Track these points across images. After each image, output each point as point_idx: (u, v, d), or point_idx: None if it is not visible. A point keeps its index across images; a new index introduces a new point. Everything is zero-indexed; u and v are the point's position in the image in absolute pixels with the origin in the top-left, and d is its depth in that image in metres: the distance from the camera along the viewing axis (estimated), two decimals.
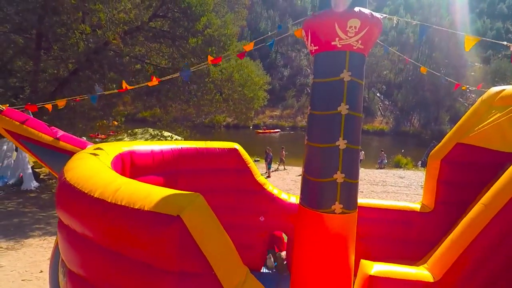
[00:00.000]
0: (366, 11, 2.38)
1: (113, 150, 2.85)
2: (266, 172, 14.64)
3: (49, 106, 3.88)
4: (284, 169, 16.32)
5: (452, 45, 44.30)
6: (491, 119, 3.23)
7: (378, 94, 56.70)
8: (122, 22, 9.86)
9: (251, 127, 38.32)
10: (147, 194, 1.59)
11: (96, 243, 1.69)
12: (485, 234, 2.26)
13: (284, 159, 16.29)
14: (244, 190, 4.05)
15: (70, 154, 2.90)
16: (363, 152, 18.04)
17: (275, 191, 4.18)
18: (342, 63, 2.45)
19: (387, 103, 55.92)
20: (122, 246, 1.60)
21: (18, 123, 3.41)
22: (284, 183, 12.79)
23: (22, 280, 4.62)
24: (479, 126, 3.35)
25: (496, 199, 2.29)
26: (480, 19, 66.24)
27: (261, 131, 39.33)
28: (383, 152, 19.88)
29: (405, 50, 53.91)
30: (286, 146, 17.43)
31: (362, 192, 11.50)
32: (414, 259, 3.55)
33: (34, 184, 9.90)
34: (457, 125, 3.76)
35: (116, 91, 3.69)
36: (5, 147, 10.18)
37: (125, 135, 12.35)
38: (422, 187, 12.45)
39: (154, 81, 3.79)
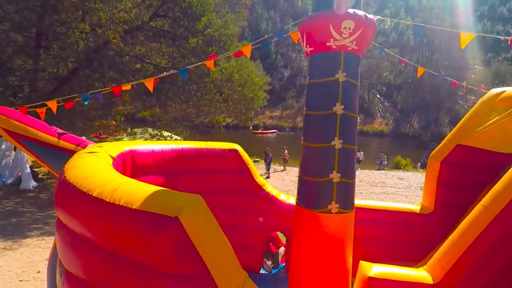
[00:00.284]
0: (360, 12, 2.42)
1: (115, 149, 2.84)
2: (265, 173, 14.63)
3: (42, 110, 3.78)
4: (284, 169, 16.31)
5: (452, 47, 44.36)
6: (492, 120, 3.22)
7: (378, 96, 56.76)
8: (122, 21, 9.84)
9: (250, 128, 38.35)
10: (146, 194, 1.58)
11: (94, 243, 1.68)
12: (485, 236, 2.25)
13: (287, 159, 16.29)
14: (243, 191, 4.04)
15: (71, 153, 2.88)
16: (362, 153, 18.05)
17: (274, 192, 4.17)
18: (337, 64, 2.48)
19: (387, 105, 55.98)
20: (119, 247, 1.59)
21: (16, 122, 3.40)
22: (283, 184, 12.78)
23: (19, 280, 4.59)
24: (480, 128, 3.34)
25: (496, 201, 2.28)
26: (481, 22, 66.35)
27: (258, 131, 39.40)
28: (382, 153, 19.89)
29: (405, 52, 54.02)
30: (281, 146, 17.46)
31: (362, 193, 11.49)
32: (413, 261, 3.55)
33: (33, 183, 9.87)
34: (457, 126, 3.75)
35: (109, 89, 3.61)
36: (3, 146, 10.16)
37: (125, 134, 12.34)
38: (421, 189, 12.45)
39: (150, 80, 3.74)
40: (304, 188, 2.66)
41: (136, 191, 1.62)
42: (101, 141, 10.98)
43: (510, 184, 2.25)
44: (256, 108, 13.82)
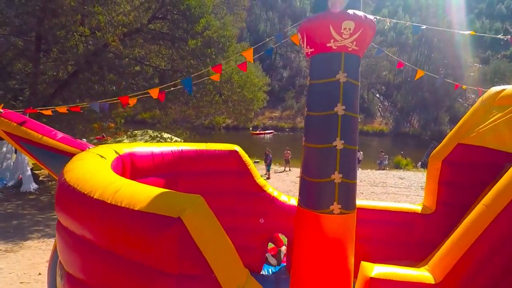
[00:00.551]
0: (360, 13, 2.43)
1: (113, 152, 2.85)
2: (265, 174, 14.63)
3: (48, 112, 3.85)
4: (284, 170, 16.31)
5: (451, 46, 44.41)
6: (492, 119, 3.22)
7: (377, 95, 56.79)
8: (122, 24, 9.87)
9: (250, 129, 38.38)
10: (147, 195, 1.58)
11: (95, 245, 1.68)
12: (487, 236, 2.25)
13: (289, 159, 16.28)
14: (244, 192, 4.04)
15: (70, 155, 2.88)
16: (361, 152, 18.04)
17: (275, 193, 4.17)
18: (337, 65, 2.49)
19: (387, 104, 56.00)
20: (121, 248, 1.59)
21: (17, 124, 3.41)
22: (284, 185, 12.77)
23: (20, 282, 4.59)
24: (480, 126, 3.34)
25: (497, 200, 2.28)
26: (479, 19, 66.43)
27: (255, 132, 39.35)
28: (382, 153, 19.87)
29: (404, 50, 54.07)
30: (281, 147, 17.44)
31: (362, 193, 11.49)
32: (415, 261, 3.54)
33: (33, 186, 9.88)
34: (457, 125, 3.75)
35: (117, 99, 3.66)
36: (4, 149, 10.17)
37: (125, 136, 12.35)
38: (422, 188, 12.44)
39: (156, 90, 3.77)
40: (305, 189, 2.66)
41: (137, 193, 1.62)
42: (101, 144, 11.00)
43: (511, 183, 2.25)
44: (256, 109, 13.83)
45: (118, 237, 1.58)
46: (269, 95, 19.06)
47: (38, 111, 3.77)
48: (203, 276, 1.49)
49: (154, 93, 3.76)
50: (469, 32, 2.85)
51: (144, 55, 11.57)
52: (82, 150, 3.21)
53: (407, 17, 59.53)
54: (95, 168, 2.16)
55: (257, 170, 4.34)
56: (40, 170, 11.44)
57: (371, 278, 2.44)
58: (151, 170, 3.32)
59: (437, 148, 3.93)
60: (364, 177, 14.72)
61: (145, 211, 1.48)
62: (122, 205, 1.55)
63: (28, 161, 9.94)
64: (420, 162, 20.27)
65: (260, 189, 4.08)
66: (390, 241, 3.87)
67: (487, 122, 3.27)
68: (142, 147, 3.39)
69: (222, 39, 10.59)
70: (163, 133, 12.41)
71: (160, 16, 10.92)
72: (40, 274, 4.83)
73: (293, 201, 4.13)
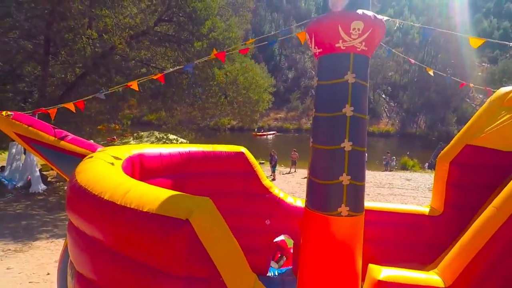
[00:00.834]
0: (369, 13, 2.38)
1: (123, 153, 2.88)
2: (271, 175, 14.62)
3: (53, 111, 3.89)
4: (289, 172, 16.28)
5: (458, 45, 43.86)
6: (501, 119, 3.18)
7: (383, 96, 56.34)
8: (128, 27, 9.99)
9: (255, 130, 38.34)
10: (156, 197, 1.59)
11: (105, 246, 1.70)
12: (497, 238, 2.21)
13: (296, 161, 16.23)
14: (250, 194, 4.04)
15: (81, 157, 2.93)
16: (365, 154, 17.85)
17: (281, 195, 4.16)
18: (346, 65, 2.46)
19: (393, 105, 55.52)
20: (130, 249, 1.60)
21: (28, 126, 3.47)
22: (289, 186, 12.75)
23: (29, 282, 4.66)
24: (489, 127, 3.30)
25: (507, 202, 2.25)
26: (487, 18, 65.50)
27: (258, 133, 38.78)
28: (389, 154, 19.70)
29: (410, 51, 53.56)
30: (286, 148, 17.39)
31: (369, 194, 11.40)
32: (423, 264, 3.50)
33: (42, 187, 10.02)
34: (466, 126, 3.71)
35: (125, 85, 3.69)
36: (13, 150, 10.34)
37: (131, 138, 12.46)
38: (429, 190, 12.31)
39: (159, 75, 3.78)
40: (313, 191, 2.64)
41: (146, 194, 1.64)
42: (109, 145, 11.12)
43: None
44: (261, 110, 13.84)
45: (127, 238, 1.59)
46: (274, 96, 19.07)
47: (46, 111, 3.83)
48: (210, 279, 1.49)
49: (159, 77, 3.77)
50: (479, 39, 2.79)
51: (150, 57, 11.68)
52: (92, 151, 3.25)
53: (413, 17, 58.99)
54: (105, 169, 2.19)
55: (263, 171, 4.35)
56: (49, 171, 11.61)
57: (379, 281, 2.42)
58: (159, 171, 3.35)
59: (445, 149, 3.89)
60: (370, 178, 14.61)
61: (153, 213, 1.49)
62: (132, 207, 1.57)
63: (37, 162, 10.10)
64: (427, 163, 20.04)
65: (266, 191, 4.08)
66: (397, 243, 3.83)
67: (496, 124, 3.23)
68: (151, 148, 3.42)
69: (227, 41, 10.64)
70: (169, 135, 12.50)
71: (166, 18, 11.02)
72: (48, 274, 4.90)
73: (299, 202, 4.12)
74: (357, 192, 2.54)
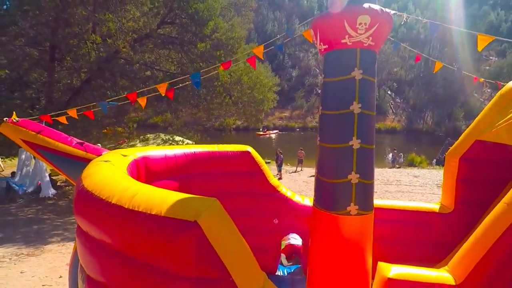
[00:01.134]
0: (376, 7, 2.31)
1: (128, 156, 2.90)
2: (277, 174, 14.60)
3: (63, 119, 3.94)
4: (296, 170, 16.23)
5: (464, 39, 43.15)
6: (511, 115, 3.11)
7: (389, 92, 55.78)
8: (131, 31, 10.07)
9: (260, 129, 38.24)
10: (163, 199, 1.60)
11: (114, 249, 1.71)
12: (509, 235, 2.17)
13: (303, 159, 16.17)
14: (257, 193, 4.04)
15: (86, 161, 2.95)
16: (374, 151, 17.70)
17: (288, 193, 4.15)
18: (353, 61, 2.40)
19: (399, 101, 54.94)
20: (139, 252, 1.61)
21: (34, 133, 3.51)
22: (296, 185, 12.70)
23: (42, 285, 4.73)
24: (499, 123, 3.23)
25: None
26: (494, 11, 64.31)
27: (261, 133, 38.15)
28: (395, 151, 19.48)
29: (415, 46, 52.69)
30: (291, 147, 17.31)
31: (376, 192, 11.29)
32: (433, 262, 3.46)
33: (52, 191, 10.16)
34: (475, 121, 3.64)
35: (125, 95, 3.73)
36: (23, 156, 10.50)
37: (138, 140, 12.56)
38: (438, 186, 12.13)
39: (163, 87, 3.81)
40: (321, 190, 2.61)
41: (154, 197, 1.64)
42: (115, 148, 11.23)
43: None
44: (266, 110, 13.82)
45: (136, 241, 1.60)
46: (278, 95, 19.01)
47: (52, 117, 3.88)
48: (220, 280, 1.49)
49: (162, 89, 3.79)
50: (488, 36, 2.69)
51: (154, 60, 11.75)
52: (98, 155, 3.28)
53: (417, 11, 58.23)
54: (112, 173, 2.20)
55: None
56: (58, 175, 11.76)
57: (389, 278, 2.39)
58: (165, 173, 3.36)
59: (454, 145, 3.82)
60: (377, 175, 14.46)
61: (161, 216, 1.50)
62: (140, 210, 1.57)
63: (46, 167, 10.25)
64: (435, 160, 19.76)
65: (274, 190, 4.06)
66: (407, 241, 3.79)
67: (506, 118, 3.16)
68: (156, 150, 3.44)
69: (230, 41, 10.64)
70: (174, 136, 12.57)
71: (169, 20, 11.08)
72: (61, 277, 4.96)
73: (307, 201, 4.10)
74: (366, 191, 2.51)
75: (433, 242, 3.72)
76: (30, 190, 10.27)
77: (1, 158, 10.72)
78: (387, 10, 2.40)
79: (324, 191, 2.58)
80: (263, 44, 3.54)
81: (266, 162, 4.28)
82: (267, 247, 4.08)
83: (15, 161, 11.10)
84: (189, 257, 1.45)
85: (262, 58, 3.75)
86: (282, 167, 15.01)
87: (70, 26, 9.60)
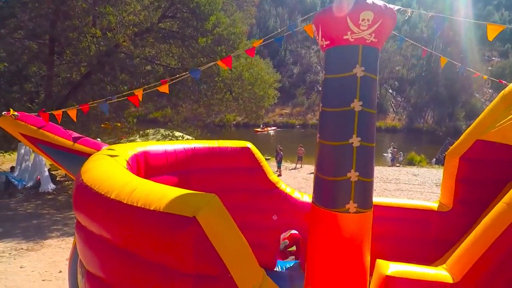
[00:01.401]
0: (380, 2, 2.28)
1: (128, 151, 2.89)
2: (276, 171, 14.61)
3: (60, 113, 3.88)
4: (295, 167, 16.24)
5: (467, 39, 42.92)
6: None
7: (390, 91, 55.68)
8: (132, 24, 9.99)
9: (261, 126, 38.17)
10: (163, 195, 1.59)
11: (113, 244, 1.71)
12: (508, 234, 2.17)
13: (302, 156, 16.17)
14: (256, 189, 4.03)
15: (86, 156, 2.94)
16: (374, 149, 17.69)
17: (288, 190, 4.15)
18: (354, 58, 2.37)
19: (400, 100, 54.86)
20: (138, 248, 1.61)
21: (34, 127, 3.48)
22: (296, 181, 12.72)
23: (42, 280, 4.74)
24: (500, 122, 3.22)
25: None
26: (498, 11, 63.96)
27: (259, 130, 37.87)
28: (395, 149, 19.49)
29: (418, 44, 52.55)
30: (291, 144, 17.30)
31: (375, 190, 11.31)
32: (431, 260, 3.47)
33: (51, 186, 10.15)
34: (476, 121, 3.63)
35: (126, 97, 3.69)
36: (22, 150, 10.48)
37: (137, 136, 12.53)
38: (437, 185, 12.15)
39: (164, 86, 3.77)
40: (320, 187, 2.61)
41: (153, 193, 1.64)
42: (114, 143, 11.21)
43: None
44: (267, 106, 13.78)
45: (135, 237, 1.59)
46: (279, 91, 18.94)
47: (48, 115, 3.82)
48: (219, 276, 1.49)
49: (164, 88, 3.75)
50: (498, 25, 2.63)
51: (154, 55, 11.68)
52: (98, 150, 3.27)
53: (421, 10, 57.82)
54: (111, 168, 2.19)
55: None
56: (57, 170, 11.76)
57: (387, 276, 2.40)
58: (164, 168, 3.35)
59: (454, 145, 3.82)
60: (377, 173, 14.48)
61: (160, 211, 1.49)
62: (138, 205, 1.57)
63: (46, 162, 10.24)
64: (434, 159, 19.79)
65: (273, 186, 4.06)
66: (406, 239, 3.80)
67: (508, 118, 3.15)
68: (156, 145, 3.43)
69: (232, 36, 10.56)
70: (174, 132, 12.54)
71: (170, 14, 10.99)
72: (60, 271, 4.98)
73: (306, 197, 4.10)
74: (365, 189, 2.50)
75: (432, 240, 3.73)
76: (29, 184, 10.25)
77: (0, 153, 10.70)
78: (391, 6, 2.36)
79: (324, 188, 2.58)
80: (263, 39, 3.49)
81: (265, 159, 4.28)
82: (266, 243, 4.09)
83: (15, 155, 11.08)
84: (188, 253, 1.45)
85: (260, 49, 3.69)
86: (281, 164, 15.03)
87: (70, 19, 9.52)
